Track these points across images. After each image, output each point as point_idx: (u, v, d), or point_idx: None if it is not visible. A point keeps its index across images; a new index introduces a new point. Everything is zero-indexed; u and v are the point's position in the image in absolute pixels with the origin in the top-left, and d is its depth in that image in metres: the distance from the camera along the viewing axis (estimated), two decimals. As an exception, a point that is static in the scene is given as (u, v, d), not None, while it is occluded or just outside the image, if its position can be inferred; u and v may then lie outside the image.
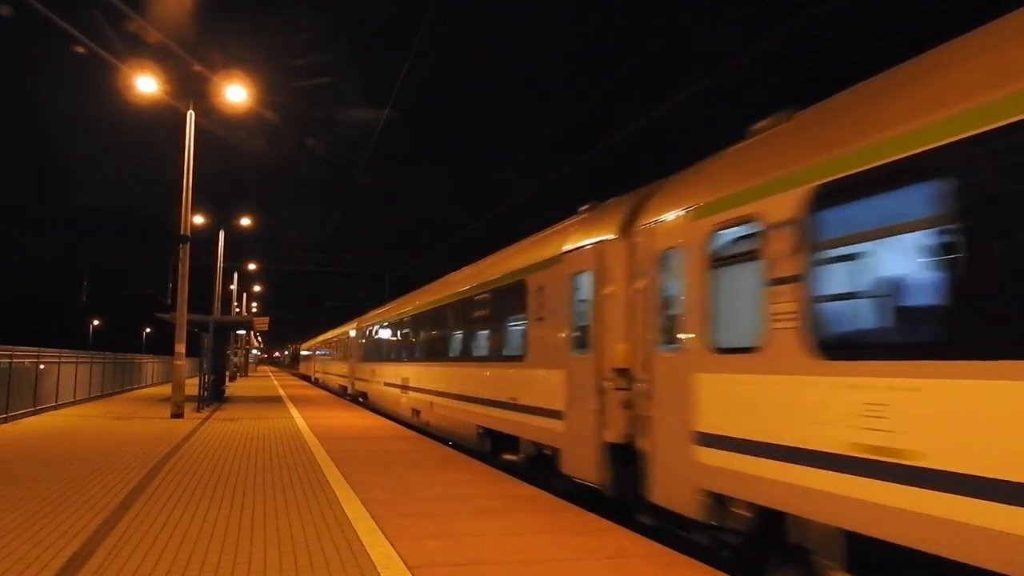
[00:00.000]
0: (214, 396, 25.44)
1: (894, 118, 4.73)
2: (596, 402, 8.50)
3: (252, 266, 56.83)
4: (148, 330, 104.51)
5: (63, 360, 21.38)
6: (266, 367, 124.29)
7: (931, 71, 4.75)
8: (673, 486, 6.96)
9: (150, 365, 37.85)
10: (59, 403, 20.82)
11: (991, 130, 4.00)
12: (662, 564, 5.87)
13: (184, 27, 25.27)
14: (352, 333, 33.20)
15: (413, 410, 18.97)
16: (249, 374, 67.09)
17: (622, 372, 8.07)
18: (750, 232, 6.01)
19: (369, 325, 28.91)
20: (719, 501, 6.31)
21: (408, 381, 19.75)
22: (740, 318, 6.10)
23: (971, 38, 4.64)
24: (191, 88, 20.47)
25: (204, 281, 39.54)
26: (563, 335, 9.58)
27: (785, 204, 5.53)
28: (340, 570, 5.58)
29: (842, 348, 5.07)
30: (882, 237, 4.87)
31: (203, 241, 39.88)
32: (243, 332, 51.37)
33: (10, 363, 16.91)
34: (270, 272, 61.85)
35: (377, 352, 26.27)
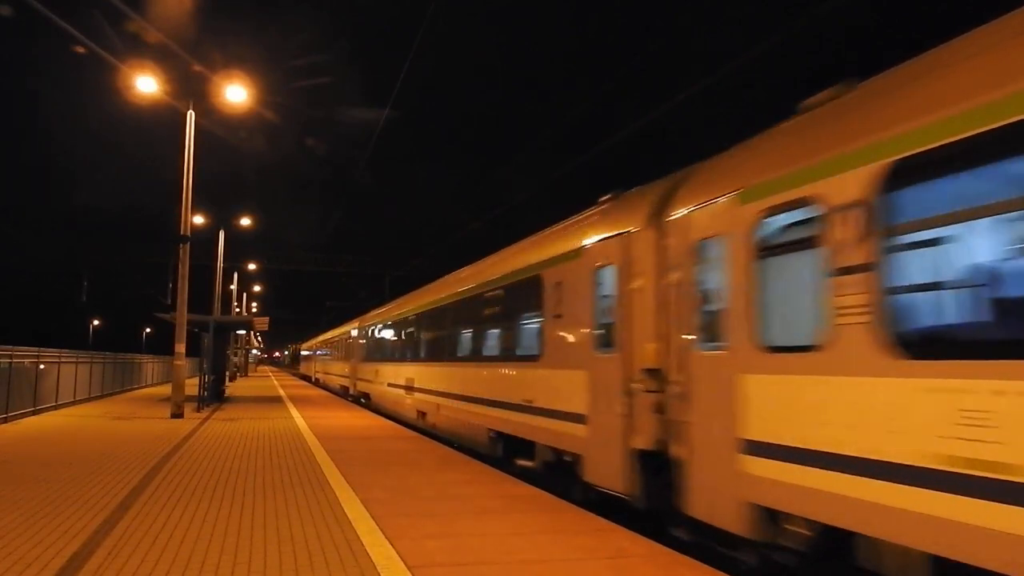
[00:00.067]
0: (214, 396, 25.44)
1: (997, 78, 4.07)
2: (623, 405, 7.90)
3: (252, 266, 56.86)
4: (148, 330, 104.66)
5: (63, 360, 21.38)
6: (266, 367, 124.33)
7: None
8: (715, 499, 6.33)
9: (150, 365, 37.85)
10: (59, 403, 20.83)
11: None
12: (662, 564, 5.86)
13: (184, 27, 25.31)
14: (354, 332, 32.56)
15: (419, 412, 18.45)
16: (249, 374, 67.11)
17: (652, 373, 7.49)
18: (809, 216, 5.35)
19: (372, 324, 28.21)
20: (771, 517, 5.70)
21: (413, 382, 19.15)
22: (797, 313, 5.52)
23: None
24: (191, 88, 20.51)
25: (204, 281, 39.61)
26: (584, 333, 9.04)
27: (855, 183, 4.88)
28: (340, 570, 5.57)
29: (928, 346, 4.43)
30: (983, 216, 4.26)
31: (203, 241, 39.97)
32: (243, 332, 51.39)
33: (10, 363, 16.92)
34: (270, 272, 61.97)
35: (381, 352, 25.62)
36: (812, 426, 5.16)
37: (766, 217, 5.85)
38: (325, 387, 44.50)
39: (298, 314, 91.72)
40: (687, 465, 6.79)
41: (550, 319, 10.16)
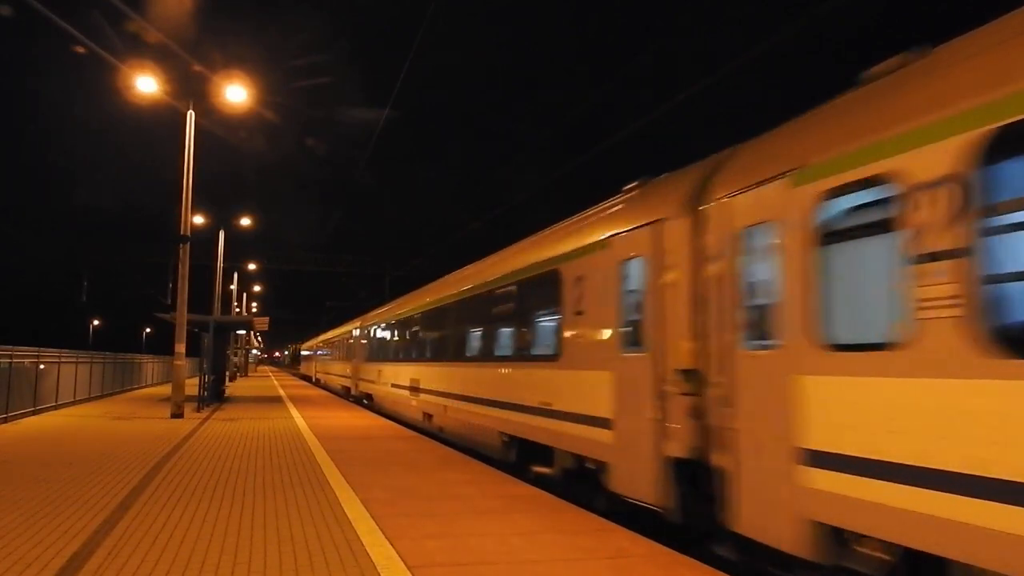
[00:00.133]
0: (214, 396, 25.44)
1: None
2: (655, 409, 7.25)
3: (252, 266, 56.92)
4: (148, 330, 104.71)
5: (63, 360, 21.39)
6: (266, 367, 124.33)
7: None
8: (768, 514, 5.67)
9: (150, 365, 37.86)
10: (59, 403, 20.84)
11: None
12: (662, 564, 5.86)
13: (184, 27, 25.34)
14: (356, 332, 31.86)
15: (425, 414, 17.66)
16: (249, 374, 67.12)
17: (689, 374, 6.87)
18: (883, 196, 4.75)
19: (375, 323, 27.37)
20: (837, 537, 5.09)
21: (419, 383, 18.33)
22: (867, 306, 4.98)
23: None
24: (191, 88, 20.53)
25: (204, 281, 39.64)
26: (609, 331, 8.39)
27: (945, 156, 4.29)
28: (340, 570, 5.57)
29: None
30: None
31: (203, 241, 40.00)
32: (243, 332, 51.40)
33: (10, 363, 16.92)
34: (270, 272, 62.04)
35: (384, 352, 24.68)
36: (890, 435, 4.54)
37: (827, 199, 5.22)
38: (326, 387, 44.45)
39: (298, 314, 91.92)
40: (733, 476, 6.13)
41: (570, 316, 9.49)
